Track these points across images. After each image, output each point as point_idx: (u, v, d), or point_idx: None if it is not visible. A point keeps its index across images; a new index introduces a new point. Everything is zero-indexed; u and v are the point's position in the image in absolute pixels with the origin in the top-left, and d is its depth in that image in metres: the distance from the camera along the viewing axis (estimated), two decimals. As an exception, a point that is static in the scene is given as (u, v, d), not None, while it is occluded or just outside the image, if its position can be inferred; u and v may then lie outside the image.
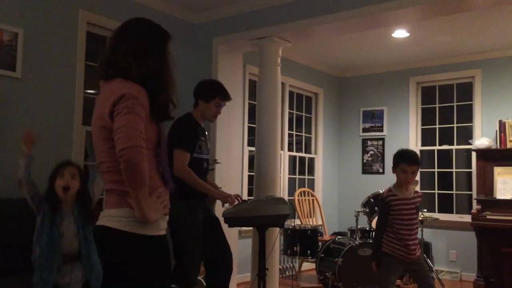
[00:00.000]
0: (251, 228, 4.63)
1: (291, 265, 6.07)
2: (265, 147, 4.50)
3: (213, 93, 3.45)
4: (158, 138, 1.89)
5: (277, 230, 4.24)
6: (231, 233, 4.03)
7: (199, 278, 3.69)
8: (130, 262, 1.76)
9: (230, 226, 3.22)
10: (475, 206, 5.53)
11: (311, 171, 6.97)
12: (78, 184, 2.92)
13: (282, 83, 5.99)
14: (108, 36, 1.78)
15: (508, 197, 5.30)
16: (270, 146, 4.50)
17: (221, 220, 3.24)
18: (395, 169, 3.26)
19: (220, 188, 3.61)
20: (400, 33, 5.44)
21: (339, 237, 5.31)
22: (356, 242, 4.75)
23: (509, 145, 5.45)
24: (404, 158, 3.24)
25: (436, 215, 6.04)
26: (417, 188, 5.37)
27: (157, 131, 1.89)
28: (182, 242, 3.21)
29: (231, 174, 4.97)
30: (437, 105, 6.61)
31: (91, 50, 4.16)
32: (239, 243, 5.10)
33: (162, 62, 1.90)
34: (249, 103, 5.75)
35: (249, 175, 5.65)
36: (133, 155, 1.68)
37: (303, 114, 6.93)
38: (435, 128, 6.60)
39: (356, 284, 4.55)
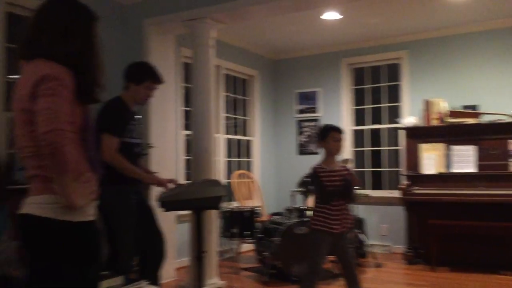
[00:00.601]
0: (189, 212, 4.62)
1: (230, 247, 6.12)
2: (200, 130, 4.47)
3: (143, 76, 3.37)
4: (84, 121, 1.83)
5: (215, 213, 4.26)
6: (168, 218, 4.00)
7: (134, 264, 3.63)
8: (56, 249, 1.71)
9: (167, 210, 3.18)
10: (404, 182, 5.82)
11: (249, 154, 7.02)
12: None
13: (217, 66, 5.96)
14: (29, 16, 1.68)
15: (432, 171, 5.61)
16: (206, 129, 4.48)
17: (157, 205, 3.20)
18: (323, 141, 3.37)
19: (156, 173, 3.56)
20: (332, 15, 5.54)
21: (276, 217, 5.41)
22: (293, 221, 4.86)
23: (433, 123, 5.75)
24: (333, 128, 3.39)
25: (367, 191, 6.28)
26: (350, 166, 5.55)
27: (83, 115, 1.83)
28: (115, 228, 3.14)
29: (166, 159, 4.92)
30: (367, 86, 6.84)
31: (12, 32, 3.93)
32: (178, 227, 5.07)
33: (86, 42, 1.84)
34: (185, 87, 5.67)
35: (187, 159, 5.60)
36: (56, 139, 1.62)
37: (239, 96, 6.94)
38: (366, 108, 6.83)
39: (293, 262, 4.67)
